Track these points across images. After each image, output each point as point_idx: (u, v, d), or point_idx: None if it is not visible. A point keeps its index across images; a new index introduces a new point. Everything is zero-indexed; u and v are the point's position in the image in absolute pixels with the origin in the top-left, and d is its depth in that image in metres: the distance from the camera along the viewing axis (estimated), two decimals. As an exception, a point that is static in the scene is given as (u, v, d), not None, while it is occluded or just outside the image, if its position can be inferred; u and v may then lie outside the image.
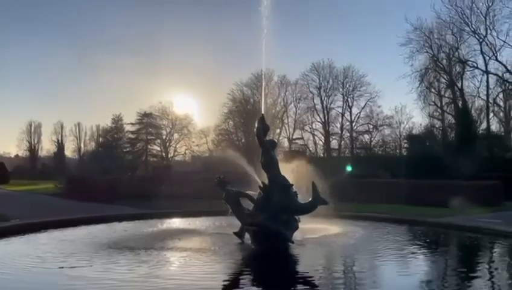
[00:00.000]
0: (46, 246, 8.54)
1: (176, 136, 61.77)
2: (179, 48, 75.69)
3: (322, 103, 53.73)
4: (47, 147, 77.12)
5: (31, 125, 75.10)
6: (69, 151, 75.16)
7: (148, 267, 6.74)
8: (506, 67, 39.07)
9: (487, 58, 39.51)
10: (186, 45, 73.96)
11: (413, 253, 8.55)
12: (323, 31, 71.30)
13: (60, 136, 74.44)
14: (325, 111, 53.81)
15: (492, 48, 38.86)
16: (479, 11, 38.78)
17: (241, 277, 6.86)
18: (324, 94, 53.53)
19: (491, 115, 43.48)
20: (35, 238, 9.75)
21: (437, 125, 44.98)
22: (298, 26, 63.23)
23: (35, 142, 76.09)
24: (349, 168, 35.52)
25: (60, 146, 74.14)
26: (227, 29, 63.27)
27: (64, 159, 73.16)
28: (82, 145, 74.15)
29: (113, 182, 28.84)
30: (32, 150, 75.58)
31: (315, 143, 56.93)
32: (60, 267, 6.84)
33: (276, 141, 10.84)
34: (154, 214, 14.52)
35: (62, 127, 74.17)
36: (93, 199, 21.79)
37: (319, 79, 53.33)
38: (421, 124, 47.80)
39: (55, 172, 53.28)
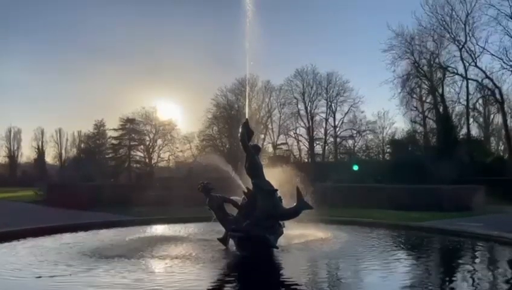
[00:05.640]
0: (24, 255, 8.30)
1: (159, 142, 61.44)
2: (162, 53, 75.51)
3: (306, 108, 54.20)
4: (27, 154, 75.87)
5: (10, 131, 73.77)
6: (49, 158, 74.03)
7: (129, 276, 6.57)
8: (485, 73, 40.00)
9: (467, 64, 40.42)
10: (170, 51, 73.63)
11: (397, 257, 8.57)
12: (307, 36, 72.03)
13: (40, 142, 73.35)
14: (309, 116, 54.23)
15: (472, 55, 39.77)
16: (458, 18, 39.71)
17: (225, 284, 6.77)
18: (308, 100, 54.03)
19: (471, 120, 44.43)
20: (13, 246, 9.47)
21: (419, 131, 45.72)
22: (282, 32, 63.62)
23: (15, 148, 74.80)
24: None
25: (41, 152, 72.86)
26: (211, 34, 63.21)
27: (45, 165, 71.88)
28: (63, 152, 73.13)
29: (95, 189, 28.40)
30: (12, 156, 74.08)
31: (299, 148, 57.34)
32: (37, 277, 6.63)
33: (260, 146, 10.79)
34: (136, 221, 14.30)
35: (42, 133, 73.11)
36: (75, 206, 21.38)
37: (303, 85, 53.84)
38: (403, 129, 48.66)
39: (36, 179, 52.22)
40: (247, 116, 9.94)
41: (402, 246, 10.28)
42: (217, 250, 8.55)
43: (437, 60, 42.01)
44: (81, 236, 11.04)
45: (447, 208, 19.70)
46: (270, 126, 56.38)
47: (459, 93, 42.36)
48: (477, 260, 8.71)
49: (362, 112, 52.81)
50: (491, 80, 39.88)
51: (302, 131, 55.87)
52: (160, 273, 7.07)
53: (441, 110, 41.70)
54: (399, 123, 73.48)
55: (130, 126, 59.64)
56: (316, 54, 75.97)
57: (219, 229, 9.11)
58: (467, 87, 41.31)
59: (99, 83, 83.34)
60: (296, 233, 9.45)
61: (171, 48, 70.32)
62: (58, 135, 72.68)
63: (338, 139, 54.58)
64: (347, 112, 53.28)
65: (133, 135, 60.31)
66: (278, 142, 56.39)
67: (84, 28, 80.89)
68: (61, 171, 66.25)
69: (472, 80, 41.21)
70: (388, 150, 51.79)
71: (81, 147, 71.09)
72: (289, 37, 68.20)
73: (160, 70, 77.24)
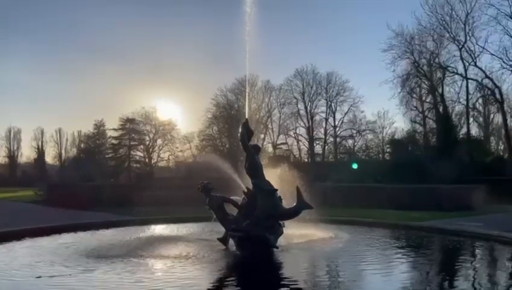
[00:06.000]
0: (24, 255, 8.30)
1: (159, 141, 61.33)
2: (162, 53, 75.47)
3: (305, 108, 54.16)
4: (27, 154, 75.80)
5: (10, 132, 73.71)
6: (49, 158, 73.94)
7: (130, 276, 6.57)
8: (485, 73, 39.96)
9: (467, 64, 40.38)
10: (170, 51, 73.62)
11: (397, 257, 8.56)
12: (307, 36, 71.98)
13: (40, 142, 73.28)
14: (309, 116, 54.18)
15: (472, 54, 39.73)
16: (458, 18, 39.67)
17: (225, 284, 6.76)
18: (308, 99, 53.98)
19: (471, 120, 44.39)
20: (13, 246, 9.47)
21: (419, 130, 45.65)
22: (282, 32, 63.63)
23: (15, 148, 74.71)
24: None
25: (40, 152, 72.80)
26: (211, 34, 63.19)
27: (45, 165, 71.79)
28: (63, 152, 73.05)
29: (95, 189, 28.39)
30: (12, 156, 74.01)
31: (299, 148, 57.30)
32: (37, 277, 6.62)
33: (260, 146, 10.78)
34: (136, 221, 14.27)
35: (42, 133, 73.04)
36: (74, 206, 21.36)
37: (303, 84, 53.79)
38: (403, 129, 48.56)
39: (36, 179, 52.16)
40: (247, 116, 9.93)
41: (402, 245, 10.27)
42: (217, 250, 8.54)
43: (437, 59, 42.00)
44: (82, 236, 11.03)
45: (447, 208, 19.69)
46: (270, 126, 56.36)
47: (458, 93, 42.37)
48: (477, 260, 8.71)
49: (362, 112, 52.81)
50: (491, 79, 39.88)
51: (302, 131, 55.88)
52: (159, 273, 7.06)
53: (440, 110, 41.65)
54: (399, 123, 73.54)
55: (130, 126, 59.51)
56: (315, 53, 76.18)
57: (219, 229, 9.10)
58: (467, 86, 41.31)
59: (99, 83, 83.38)
60: (296, 233, 9.44)
61: (171, 48, 70.37)
62: (58, 135, 72.73)
63: (338, 139, 54.56)
64: (347, 112, 53.29)
65: (133, 135, 60.17)
66: (278, 142, 56.37)
67: (84, 28, 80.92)
68: (61, 171, 66.13)
69: (472, 79, 41.22)
70: (388, 149, 51.73)
71: (81, 147, 71.02)
72: (289, 36, 68.26)
73: (160, 70, 77.23)
